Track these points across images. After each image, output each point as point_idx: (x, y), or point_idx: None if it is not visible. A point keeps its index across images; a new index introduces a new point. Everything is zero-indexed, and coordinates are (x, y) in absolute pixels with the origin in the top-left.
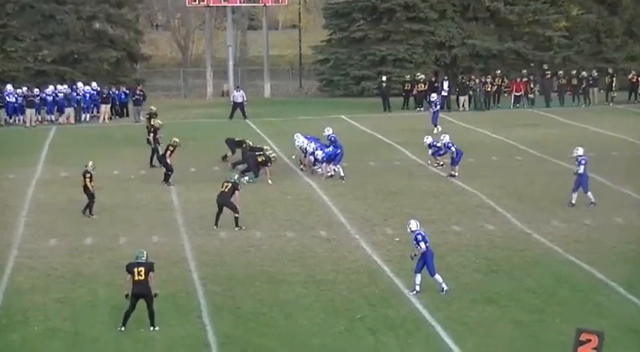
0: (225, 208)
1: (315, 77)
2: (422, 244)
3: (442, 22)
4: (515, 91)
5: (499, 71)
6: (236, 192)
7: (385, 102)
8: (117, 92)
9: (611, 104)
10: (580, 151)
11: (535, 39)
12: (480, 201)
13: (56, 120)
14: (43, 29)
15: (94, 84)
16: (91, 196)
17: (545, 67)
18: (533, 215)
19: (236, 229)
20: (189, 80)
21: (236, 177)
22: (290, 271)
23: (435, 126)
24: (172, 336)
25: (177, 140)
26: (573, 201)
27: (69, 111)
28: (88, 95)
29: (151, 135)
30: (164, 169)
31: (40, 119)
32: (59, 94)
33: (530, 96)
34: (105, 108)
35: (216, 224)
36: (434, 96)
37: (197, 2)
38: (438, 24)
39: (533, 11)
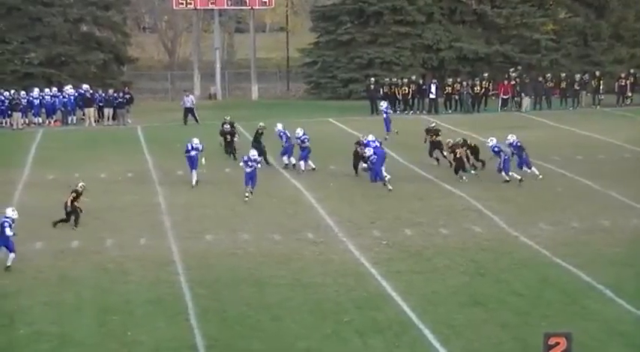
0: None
1: (303, 80)
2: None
3: (429, 25)
4: (503, 94)
5: (486, 74)
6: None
7: (373, 105)
8: (114, 95)
9: (598, 107)
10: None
11: (522, 42)
12: (467, 204)
13: (43, 122)
14: (30, 32)
15: (86, 86)
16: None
17: (512, 69)
18: (520, 218)
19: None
20: (177, 83)
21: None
22: (277, 274)
23: (388, 131)
24: (159, 339)
25: (262, 124)
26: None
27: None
28: (72, 98)
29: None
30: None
31: (27, 122)
32: (46, 97)
33: (516, 99)
34: (91, 112)
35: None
36: (383, 104)
37: (184, 5)
38: (425, 27)
39: (520, 14)
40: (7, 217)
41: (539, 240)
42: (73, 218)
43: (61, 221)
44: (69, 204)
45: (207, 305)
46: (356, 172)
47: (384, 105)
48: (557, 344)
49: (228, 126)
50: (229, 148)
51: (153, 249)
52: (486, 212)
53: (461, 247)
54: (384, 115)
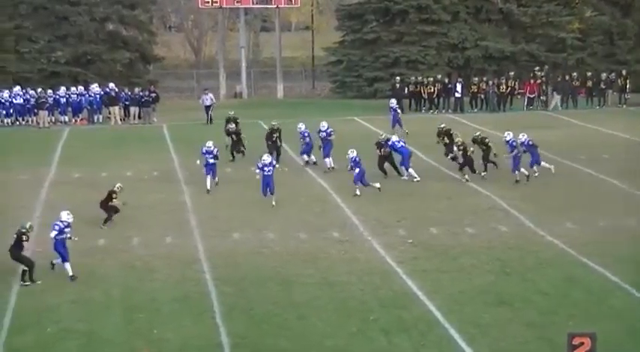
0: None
1: (328, 78)
2: None
3: (455, 24)
4: (529, 93)
5: (512, 73)
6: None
7: (399, 104)
8: (140, 93)
9: (624, 106)
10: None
11: (548, 41)
12: (493, 203)
13: (69, 121)
14: (57, 30)
15: (112, 85)
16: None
17: (537, 68)
18: (546, 217)
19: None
20: (202, 81)
21: (28, 225)
22: (303, 272)
23: (393, 127)
24: (185, 337)
25: (274, 123)
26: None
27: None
28: (98, 96)
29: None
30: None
31: (53, 120)
32: (72, 95)
33: (542, 97)
34: (117, 110)
35: (30, 279)
36: (392, 102)
37: (210, 4)
38: (450, 26)
39: (546, 13)
40: (61, 221)
41: (565, 239)
42: (106, 215)
43: (108, 219)
44: (117, 204)
45: (234, 304)
46: (384, 173)
47: (393, 102)
48: (582, 344)
49: (233, 124)
50: (236, 147)
51: (179, 248)
52: (512, 211)
53: (487, 246)
54: (393, 113)
